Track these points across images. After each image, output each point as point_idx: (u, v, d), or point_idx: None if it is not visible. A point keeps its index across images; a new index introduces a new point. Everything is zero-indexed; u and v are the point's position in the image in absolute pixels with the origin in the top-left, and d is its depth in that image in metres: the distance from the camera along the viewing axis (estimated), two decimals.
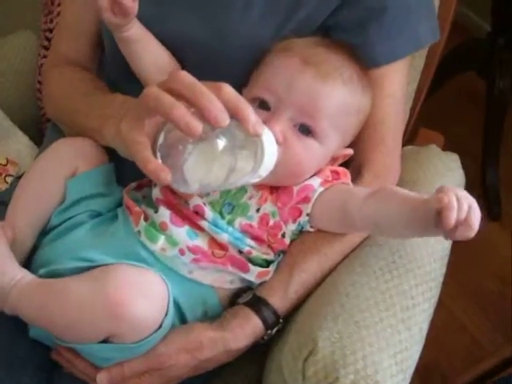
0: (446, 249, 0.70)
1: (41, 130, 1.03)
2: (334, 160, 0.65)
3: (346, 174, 0.66)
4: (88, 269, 0.58)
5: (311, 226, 0.62)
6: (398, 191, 0.57)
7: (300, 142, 0.60)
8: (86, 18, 0.77)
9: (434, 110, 1.35)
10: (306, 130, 0.60)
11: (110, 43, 0.72)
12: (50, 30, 0.98)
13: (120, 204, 0.67)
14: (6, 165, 0.87)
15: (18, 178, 0.81)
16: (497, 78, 1.55)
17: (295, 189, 0.62)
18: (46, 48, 0.99)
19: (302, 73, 0.60)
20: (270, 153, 0.54)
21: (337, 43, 0.64)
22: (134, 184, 0.68)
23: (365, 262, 0.63)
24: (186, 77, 0.53)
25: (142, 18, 0.68)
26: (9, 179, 0.86)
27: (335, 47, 0.63)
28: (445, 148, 0.87)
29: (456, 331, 1.34)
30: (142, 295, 0.54)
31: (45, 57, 0.99)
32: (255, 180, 0.55)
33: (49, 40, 0.98)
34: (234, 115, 0.52)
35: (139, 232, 0.61)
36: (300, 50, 0.62)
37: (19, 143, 0.94)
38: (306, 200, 0.62)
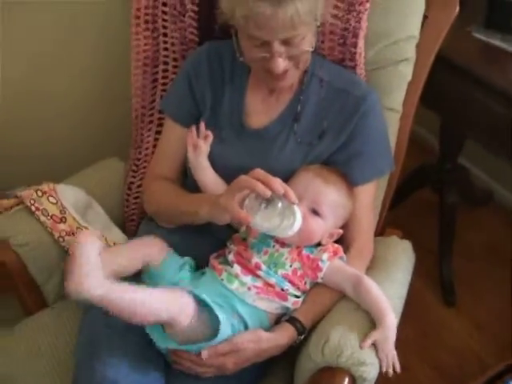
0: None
1: (124, 226, 1.49)
2: (331, 235, 1.13)
3: (340, 251, 1.14)
4: None
5: (321, 278, 1.12)
6: (371, 291, 1.06)
7: (312, 219, 1.10)
8: (178, 151, 1.28)
9: (401, 216, 1.83)
10: (315, 212, 1.11)
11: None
12: (138, 159, 1.46)
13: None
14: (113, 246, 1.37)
15: None
16: (446, 193, 2.02)
17: (311, 256, 1.11)
18: (135, 171, 1.46)
19: (314, 180, 1.13)
20: (299, 219, 1.04)
21: (334, 169, 1.16)
22: (215, 254, 1.16)
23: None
24: (261, 171, 1.02)
25: (213, 152, 1.22)
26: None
27: (333, 171, 1.16)
28: None
29: None
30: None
31: (133, 177, 1.46)
32: (290, 233, 1.03)
33: (136, 166, 1.46)
34: (284, 194, 1.01)
35: (222, 279, 1.09)
36: (313, 170, 1.15)
37: (116, 234, 1.41)
38: (318, 269, 1.10)
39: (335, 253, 1.12)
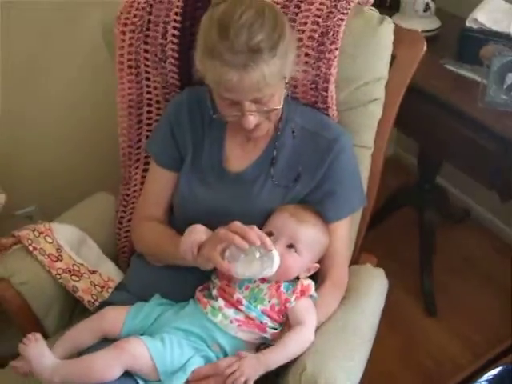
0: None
1: (117, 259, 1.59)
2: (308, 270, 1.24)
3: (309, 289, 1.22)
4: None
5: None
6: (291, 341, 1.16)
7: (289, 255, 1.21)
8: (163, 191, 1.39)
9: (384, 233, 1.96)
10: (292, 247, 1.22)
11: (178, 212, 1.37)
12: (127, 195, 1.57)
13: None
14: (107, 281, 1.46)
15: (116, 288, 1.44)
16: (426, 211, 2.16)
17: (284, 296, 1.20)
18: (125, 206, 1.57)
19: (289, 219, 1.24)
20: (277, 261, 1.15)
21: (309, 207, 1.28)
22: (200, 287, 1.27)
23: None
24: (238, 224, 1.14)
25: (197, 194, 1.34)
26: (109, 290, 1.43)
27: (308, 208, 1.27)
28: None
29: None
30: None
31: (123, 211, 1.57)
32: (269, 274, 1.14)
33: (126, 201, 1.57)
34: (261, 242, 1.12)
35: (207, 312, 1.20)
36: (288, 210, 1.26)
37: (109, 267, 1.51)
38: (286, 308, 1.20)
39: (302, 293, 1.23)
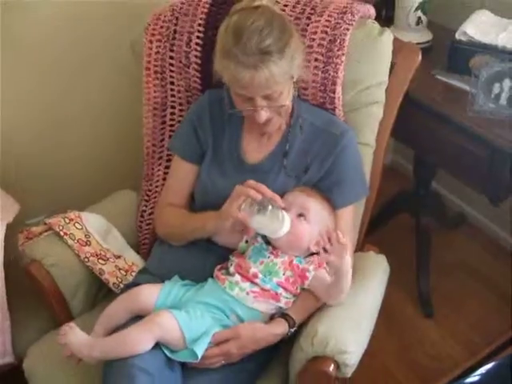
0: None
1: (138, 250, 1.72)
2: (318, 243, 1.32)
3: (322, 263, 1.37)
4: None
5: (307, 285, 1.38)
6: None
7: (299, 223, 1.35)
8: (185, 183, 1.54)
9: (382, 238, 2.04)
10: (302, 216, 1.36)
11: (200, 200, 1.52)
12: (150, 190, 1.71)
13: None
14: (131, 265, 1.60)
15: (139, 272, 1.58)
16: (422, 217, 2.27)
17: (300, 266, 1.36)
18: (146, 201, 1.72)
19: (299, 194, 1.40)
20: (287, 220, 1.30)
21: (319, 192, 1.43)
22: (219, 266, 1.40)
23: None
24: (252, 181, 1.31)
25: (217, 184, 1.47)
26: (133, 274, 1.57)
27: (315, 190, 1.43)
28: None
29: None
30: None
31: (145, 206, 1.71)
32: (281, 233, 1.30)
33: (148, 196, 1.72)
34: (272, 199, 1.30)
35: (225, 287, 1.34)
36: (298, 189, 1.42)
37: (132, 256, 1.66)
38: (305, 277, 1.35)
39: (320, 265, 1.37)
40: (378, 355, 2.06)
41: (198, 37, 1.60)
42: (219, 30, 1.34)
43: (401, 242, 2.35)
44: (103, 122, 2.09)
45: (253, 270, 1.35)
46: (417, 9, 1.99)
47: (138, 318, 1.33)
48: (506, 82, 1.67)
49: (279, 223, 1.30)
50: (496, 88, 1.68)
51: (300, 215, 1.37)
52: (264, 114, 1.35)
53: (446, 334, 2.14)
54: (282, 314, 1.35)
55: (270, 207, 1.29)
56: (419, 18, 2.00)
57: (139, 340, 1.25)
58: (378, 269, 1.55)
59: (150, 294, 1.37)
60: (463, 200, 2.59)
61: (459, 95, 1.76)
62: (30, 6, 1.79)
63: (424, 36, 2.04)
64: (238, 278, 1.35)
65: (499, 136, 1.62)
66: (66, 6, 1.85)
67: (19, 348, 1.60)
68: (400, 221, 2.44)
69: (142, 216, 1.73)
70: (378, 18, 1.62)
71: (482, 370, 1.63)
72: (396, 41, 1.55)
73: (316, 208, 1.39)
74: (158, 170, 1.72)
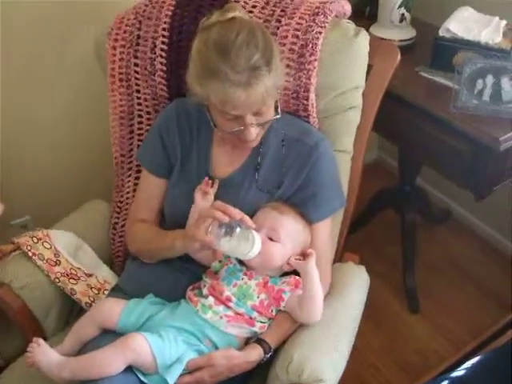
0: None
1: (112, 263, 1.68)
2: (289, 264, 1.32)
3: (300, 283, 1.32)
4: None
5: (283, 307, 1.33)
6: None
7: (271, 243, 1.31)
8: (154, 197, 1.48)
9: (368, 235, 2.05)
10: (273, 240, 1.32)
11: (168, 215, 1.47)
12: (121, 202, 1.65)
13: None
14: (103, 284, 1.55)
15: (112, 290, 1.53)
16: (407, 213, 2.25)
17: (275, 287, 1.32)
18: (118, 212, 1.66)
19: (271, 212, 1.34)
20: (258, 241, 1.25)
21: (293, 207, 1.38)
22: (191, 287, 1.36)
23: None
24: (220, 202, 1.25)
25: (185, 199, 1.41)
26: (106, 292, 1.52)
27: (288, 204, 1.38)
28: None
29: None
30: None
31: (117, 218, 1.66)
32: (251, 255, 1.25)
33: (119, 207, 1.66)
34: (242, 220, 1.23)
35: (197, 310, 1.29)
36: (270, 205, 1.36)
37: (104, 271, 1.60)
38: (281, 299, 1.31)
39: (296, 285, 1.33)
40: (365, 351, 2.06)
41: (162, 42, 1.52)
42: (195, 45, 1.26)
43: (386, 238, 2.34)
44: (81, 126, 2.05)
45: (226, 293, 1.31)
46: (400, 6, 1.96)
47: (108, 334, 1.31)
48: (489, 79, 1.64)
49: (249, 245, 1.25)
50: (479, 84, 1.65)
51: (271, 238, 1.33)
52: (254, 131, 1.29)
53: (432, 329, 2.14)
54: (258, 340, 1.31)
55: (237, 229, 1.24)
56: (403, 14, 1.97)
57: (110, 362, 1.21)
58: (358, 280, 1.50)
59: (111, 308, 1.35)
60: (448, 196, 2.58)
61: (443, 91, 1.75)
62: None
63: (407, 33, 2.01)
64: (211, 300, 1.30)
65: (482, 132, 1.62)
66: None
67: (8, 348, 1.59)
68: (385, 217, 2.42)
69: (114, 228, 1.68)
70: (361, 16, 1.55)
71: (468, 364, 1.62)
72: (374, 40, 1.49)
73: (289, 225, 1.34)
74: (128, 181, 1.65)
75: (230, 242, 1.24)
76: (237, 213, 1.25)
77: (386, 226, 2.42)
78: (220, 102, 1.22)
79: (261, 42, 1.21)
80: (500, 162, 1.67)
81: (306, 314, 1.31)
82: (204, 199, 1.39)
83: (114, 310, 1.34)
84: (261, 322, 1.31)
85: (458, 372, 1.60)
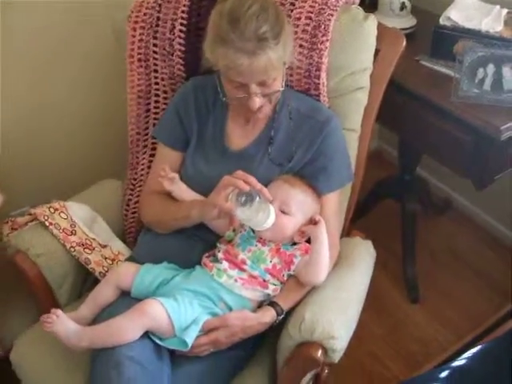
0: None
1: (124, 239, 1.72)
2: (302, 234, 1.38)
3: (309, 250, 1.39)
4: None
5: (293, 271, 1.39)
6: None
7: (283, 216, 1.36)
8: (172, 170, 1.50)
9: (368, 224, 2.05)
10: (284, 212, 1.37)
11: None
12: (135, 179, 1.71)
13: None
14: (117, 255, 1.59)
15: (126, 260, 1.58)
16: (407, 202, 2.28)
17: (287, 252, 1.38)
18: (132, 189, 1.71)
19: (282, 185, 1.40)
20: (272, 213, 1.31)
21: (303, 179, 1.44)
22: (206, 253, 1.41)
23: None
24: (241, 172, 1.30)
25: (201, 171, 1.48)
26: (119, 263, 1.56)
27: (299, 177, 1.43)
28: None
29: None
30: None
31: (131, 195, 1.71)
32: (265, 226, 1.30)
33: (133, 185, 1.71)
34: (260, 191, 1.29)
35: (213, 274, 1.35)
36: (282, 178, 1.42)
37: (118, 244, 1.64)
38: (292, 263, 1.37)
39: (306, 251, 1.38)
40: (365, 340, 2.09)
41: (181, 24, 1.59)
42: (211, 16, 1.33)
43: (386, 227, 2.37)
44: (87, 111, 2.07)
45: (241, 256, 1.36)
46: None
47: (124, 300, 1.36)
48: (490, 67, 1.68)
49: (265, 216, 1.31)
50: (480, 73, 1.69)
51: (283, 211, 1.38)
52: (258, 101, 1.35)
53: (433, 319, 2.17)
54: (270, 302, 1.36)
55: (257, 199, 1.29)
56: (403, 3, 2.00)
57: (128, 329, 1.26)
58: (365, 253, 1.56)
59: (128, 267, 1.42)
60: (448, 185, 2.61)
61: (443, 81, 1.77)
62: None
63: (408, 21, 2.04)
64: (225, 264, 1.35)
65: (483, 121, 1.64)
66: None
67: (6, 340, 1.60)
68: (385, 207, 2.46)
69: (127, 205, 1.73)
70: (361, 4, 1.62)
71: (469, 353, 1.65)
72: (380, 26, 1.55)
73: (299, 198, 1.40)
74: (143, 159, 1.71)
75: (248, 210, 1.29)
76: (258, 183, 1.30)
77: (386, 215, 2.46)
78: (225, 67, 1.30)
79: (271, 16, 1.28)
80: (501, 151, 1.70)
81: (311, 276, 1.36)
82: (174, 182, 1.46)
83: (130, 271, 1.40)
84: (274, 284, 1.36)
85: (459, 361, 1.63)
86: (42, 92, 1.98)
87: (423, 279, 2.27)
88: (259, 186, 1.29)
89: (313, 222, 1.38)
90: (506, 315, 2.08)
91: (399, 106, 1.86)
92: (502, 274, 2.25)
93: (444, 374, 1.61)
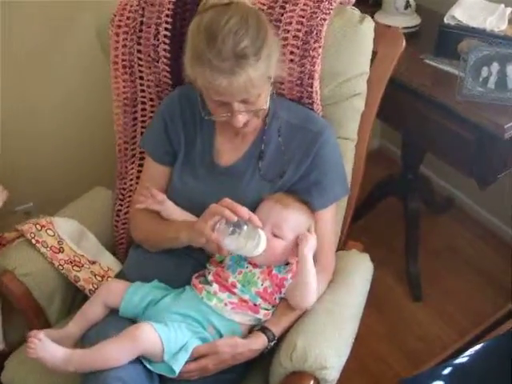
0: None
1: (114, 250, 1.68)
2: (296, 254, 1.33)
3: None
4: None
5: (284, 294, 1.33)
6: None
7: (275, 241, 1.30)
8: (158, 184, 1.46)
9: (371, 223, 2.06)
10: (277, 236, 1.31)
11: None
12: (124, 189, 1.66)
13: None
14: (107, 271, 1.55)
15: (115, 277, 1.54)
16: (410, 201, 2.25)
17: (279, 276, 1.32)
18: (121, 199, 1.66)
19: (274, 206, 1.33)
20: (263, 240, 1.25)
21: (295, 196, 1.37)
22: (196, 274, 1.36)
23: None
24: (229, 200, 1.23)
25: (189, 187, 1.42)
26: (109, 279, 1.52)
27: (295, 197, 1.36)
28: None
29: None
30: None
31: (120, 205, 1.66)
32: (256, 253, 1.24)
33: (123, 195, 1.66)
34: (249, 219, 1.23)
35: (202, 297, 1.30)
36: (274, 198, 1.35)
37: (108, 259, 1.60)
38: (283, 286, 1.31)
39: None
40: (368, 339, 2.06)
41: (166, 28, 1.51)
42: (190, 27, 1.25)
43: (389, 226, 2.35)
44: (81, 115, 2.05)
45: (231, 279, 1.31)
46: None
47: (112, 318, 1.33)
48: (494, 66, 1.63)
49: (254, 244, 1.25)
50: (484, 72, 1.64)
51: (275, 234, 1.32)
52: (242, 119, 1.28)
53: (435, 317, 2.15)
54: (261, 328, 1.31)
55: (245, 228, 1.23)
56: (407, 1, 1.96)
57: (118, 356, 1.21)
58: (361, 268, 1.51)
59: (118, 285, 1.39)
60: (451, 184, 2.58)
61: (448, 79, 1.75)
62: None
63: (412, 20, 2.01)
64: (215, 287, 1.31)
65: (487, 119, 1.61)
66: None
67: (11, 336, 1.60)
68: (388, 205, 2.42)
69: (117, 215, 1.68)
70: (365, 3, 1.54)
71: (471, 351, 1.64)
72: (378, 27, 1.48)
73: (293, 219, 1.34)
74: (132, 169, 1.66)
75: (236, 240, 1.24)
76: (245, 212, 1.23)
77: (388, 213, 2.42)
78: (203, 86, 1.23)
79: (252, 29, 1.20)
80: (505, 149, 1.67)
81: (299, 299, 1.32)
82: (162, 204, 1.42)
83: (119, 289, 1.36)
84: (265, 308, 1.31)
85: (461, 359, 1.62)
86: (35, 96, 1.96)
87: (426, 277, 2.25)
88: (247, 215, 1.23)
89: (297, 241, 1.33)
90: (508, 313, 2.04)
91: (403, 104, 1.82)
92: (505, 273, 2.23)
93: (446, 372, 1.61)
